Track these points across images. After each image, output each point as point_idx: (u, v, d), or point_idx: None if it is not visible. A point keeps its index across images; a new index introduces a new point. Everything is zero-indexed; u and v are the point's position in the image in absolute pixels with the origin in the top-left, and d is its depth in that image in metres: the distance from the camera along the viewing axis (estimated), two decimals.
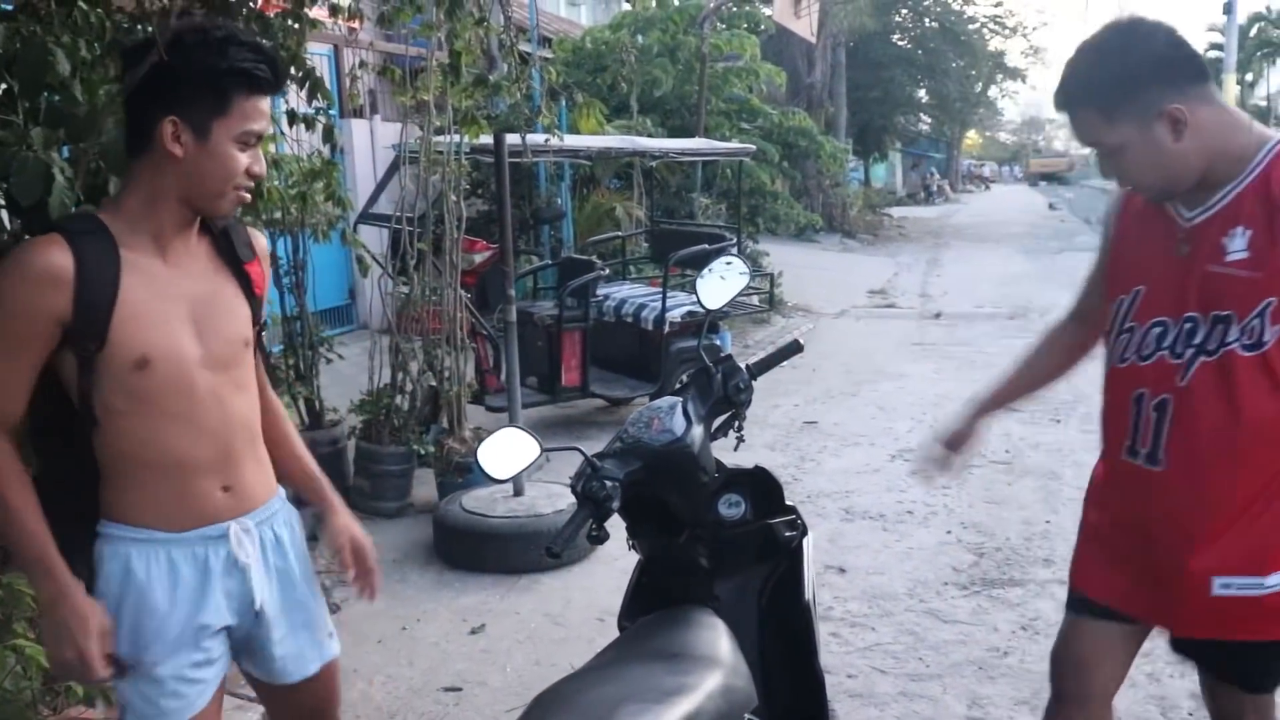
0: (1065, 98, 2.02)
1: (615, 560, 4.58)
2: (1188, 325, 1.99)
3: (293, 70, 4.14)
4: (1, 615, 2.82)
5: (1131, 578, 2.19)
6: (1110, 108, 1.94)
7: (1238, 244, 1.93)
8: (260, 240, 2.20)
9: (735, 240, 8.74)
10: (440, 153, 5.82)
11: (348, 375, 6.59)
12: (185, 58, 1.85)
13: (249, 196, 2.01)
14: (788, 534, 2.35)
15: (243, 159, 1.91)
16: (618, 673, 1.93)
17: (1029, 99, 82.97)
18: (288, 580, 2.12)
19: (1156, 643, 3.94)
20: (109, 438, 1.90)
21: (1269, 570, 1.98)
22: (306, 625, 2.17)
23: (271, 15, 3.51)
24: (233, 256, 2.06)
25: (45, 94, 2.98)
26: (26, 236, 2.97)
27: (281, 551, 2.12)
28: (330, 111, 4.75)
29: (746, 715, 1.90)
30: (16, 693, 2.51)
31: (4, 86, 3.04)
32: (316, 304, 6.18)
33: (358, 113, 9.98)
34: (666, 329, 7.16)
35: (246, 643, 2.10)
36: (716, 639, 2.02)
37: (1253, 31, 38.95)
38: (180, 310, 1.93)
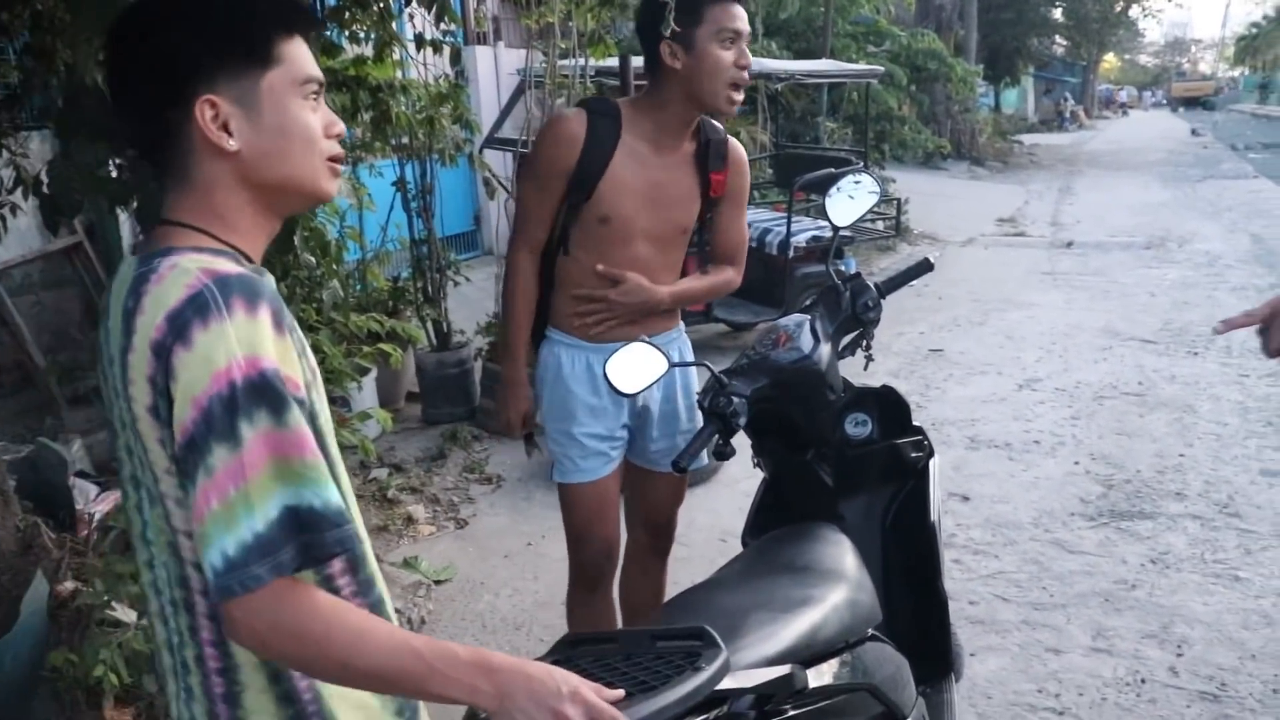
0: None
1: (738, 483, 4.61)
2: None
3: None
4: None
5: None
6: None
7: None
8: (738, 157, 2.62)
9: (861, 165, 8.59)
10: (565, 76, 5.82)
11: (474, 299, 6.71)
12: None
13: (741, 95, 2.43)
14: (914, 454, 2.34)
15: (727, 55, 2.35)
16: (745, 583, 1.96)
17: (1174, 18, 78.96)
18: (670, 393, 2.66)
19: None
20: (568, 267, 2.53)
21: None
22: (682, 433, 2.69)
23: None
24: (705, 164, 2.54)
25: None
26: None
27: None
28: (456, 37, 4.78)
29: (870, 630, 1.91)
30: None
31: None
32: (444, 229, 6.29)
33: (481, 39, 10.01)
34: (791, 254, 7.10)
35: (634, 435, 2.71)
36: (842, 554, 2.02)
37: None
38: (645, 189, 2.46)
